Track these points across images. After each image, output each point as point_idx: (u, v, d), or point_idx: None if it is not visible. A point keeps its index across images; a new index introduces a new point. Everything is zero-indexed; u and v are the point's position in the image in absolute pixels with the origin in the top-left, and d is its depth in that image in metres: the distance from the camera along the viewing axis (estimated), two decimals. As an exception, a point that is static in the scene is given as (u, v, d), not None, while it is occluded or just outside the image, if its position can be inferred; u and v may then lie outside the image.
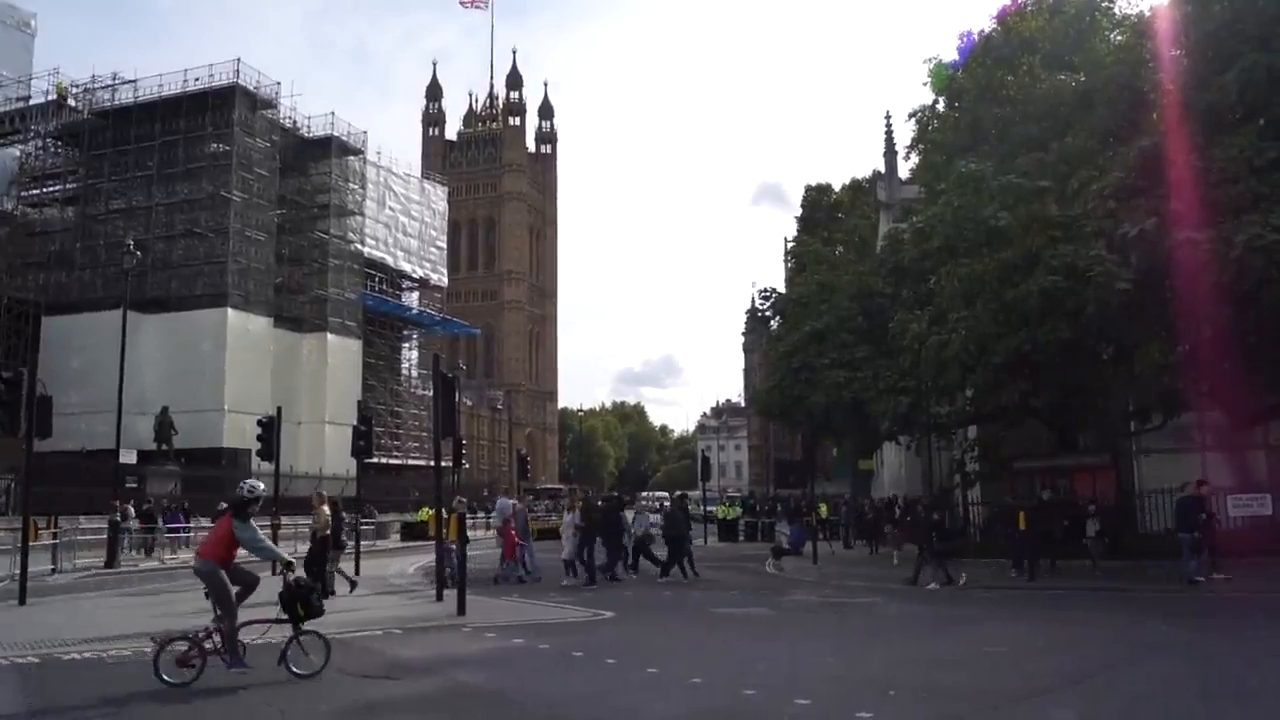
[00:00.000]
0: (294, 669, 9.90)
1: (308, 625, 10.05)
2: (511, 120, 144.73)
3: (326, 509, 18.87)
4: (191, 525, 33.96)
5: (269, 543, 10.50)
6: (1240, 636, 13.26)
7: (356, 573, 23.83)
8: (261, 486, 10.43)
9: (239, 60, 54.15)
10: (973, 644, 12.84)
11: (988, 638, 13.46)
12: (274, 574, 10.83)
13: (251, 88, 54.49)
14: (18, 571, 17.75)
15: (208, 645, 9.75)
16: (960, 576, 21.08)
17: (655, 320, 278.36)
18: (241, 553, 10.27)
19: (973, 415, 27.66)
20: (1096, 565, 22.01)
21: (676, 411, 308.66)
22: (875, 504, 37.58)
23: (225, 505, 12.02)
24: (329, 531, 18.66)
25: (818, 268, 37.19)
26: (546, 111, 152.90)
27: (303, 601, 10.07)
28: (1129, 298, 18.25)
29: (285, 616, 10.07)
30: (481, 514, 57.70)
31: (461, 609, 15.51)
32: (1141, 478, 25.77)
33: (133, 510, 30.92)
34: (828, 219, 66.38)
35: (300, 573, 11.22)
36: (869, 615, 16.77)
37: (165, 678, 9.45)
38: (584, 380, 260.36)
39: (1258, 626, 14.20)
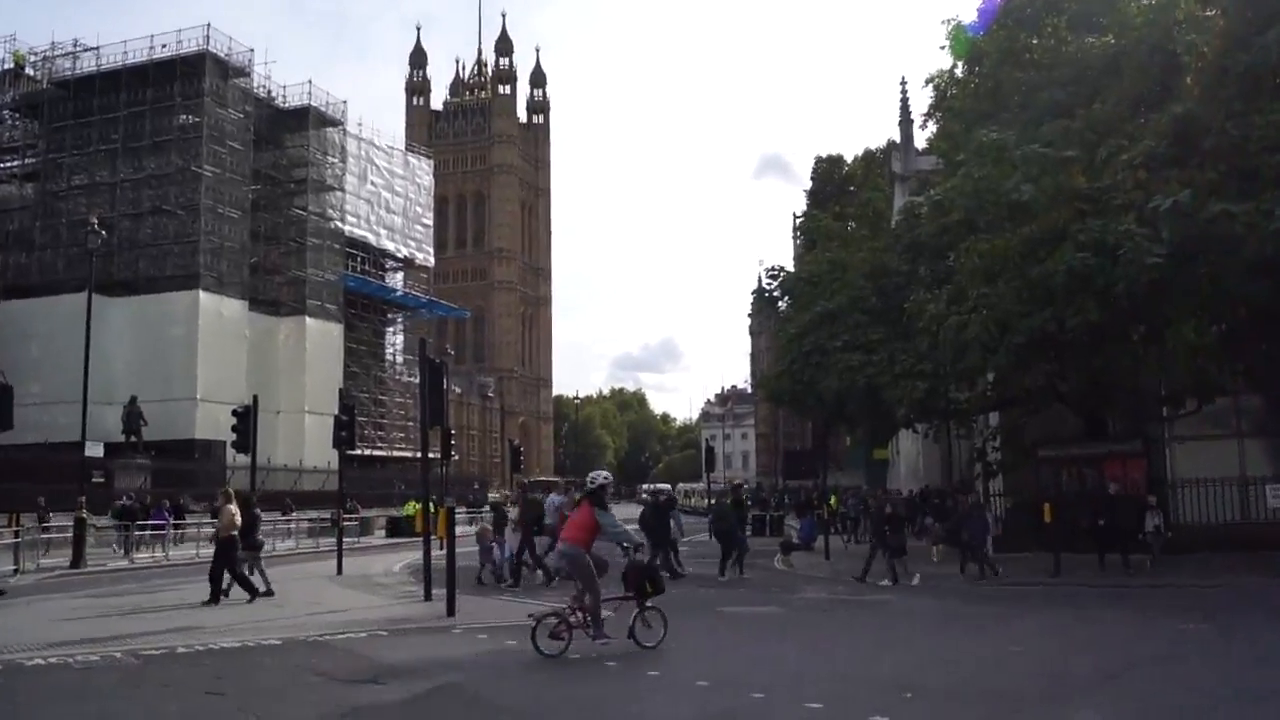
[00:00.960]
0: (640, 641, 11.79)
1: (650, 602, 11.97)
2: (501, 89, 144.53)
3: (233, 507, 18.72)
4: (181, 522, 33.95)
5: (624, 527, 12.48)
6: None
7: (339, 571, 23.99)
8: (605, 474, 12.42)
9: (209, 26, 54.00)
10: (993, 643, 12.91)
11: (1009, 636, 13.53)
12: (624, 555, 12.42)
13: (222, 55, 54.29)
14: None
15: (572, 620, 11.73)
16: (913, 577, 21.10)
17: (655, 302, 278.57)
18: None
19: (994, 401, 27.69)
20: (1155, 560, 21.93)
21: (678, 399, 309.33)
22: (881, 496, 37.67)
23: (578, 495, 13.89)
24: (234, 532, 18.47)
25: (829, 244, 37.24)
26: (538, 79, 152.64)
27: (650, 579, 12.17)
28: (1161, 274, 18.25)
29: (630, 594, 12.03)
30: (464, 508, 58.22)
31: (451, 609, 15.57)
32: (1174, 466, 25.82)
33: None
34: (839, 192, 66.34)
35: (643, 555, 13.66)
36: (884, 613, 16.85)
37: (541, 649, 11.52)
38: (580, 366, 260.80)
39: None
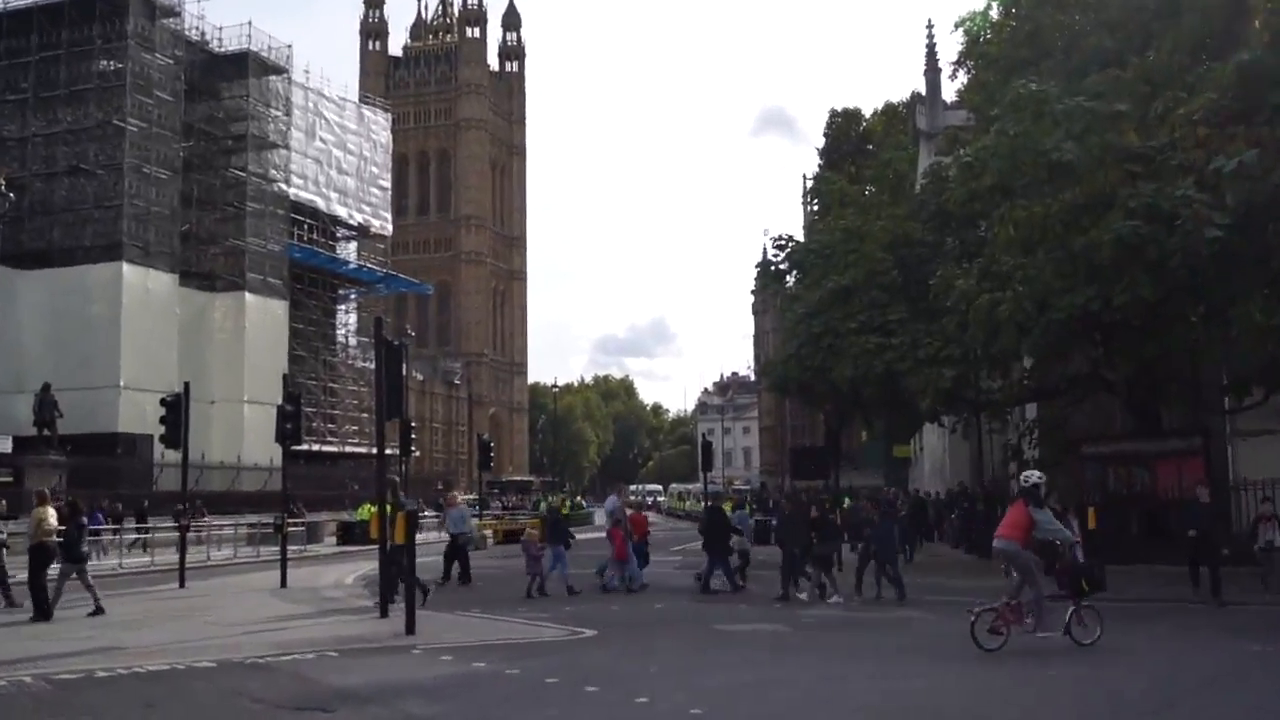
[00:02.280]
0: (1077, 639, 13.37)
1: (1086, 601, 13.71)
2: (469, 31, 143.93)
3: (50, 512, 18.64)
4: (120, 528, 34.06)
5: (1059, 524, 14.53)
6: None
7: (283, 583, 23.91)
8: (1039, 474, 14.01)
9: (133, -43, 53.57)
10: (1031, 668, 12.89)
11: (1045, 660, 13.51)
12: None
13: (149, -9, 53.93)
14: None
15: (1009, 614, 13.36)
16: (833, 594, 21.03)
17: (643, 278, 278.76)
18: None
19: (1031, 390, 27.73)
20: (1273, 577, 20.15)
21: (670, 387, 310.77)
22: (801, 497, 37.63)
23: (1016, 492, 15.58)
24: (54, 538, 18.38)
25: (844, 211, 37.20)
26: (512, 21, 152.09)
27: (1086, 577, 13.96)
28: (1223, 246, 18.22)
29: (1064, 592, 13.98)
30: (432, 512, 58.17)
31: (411, 627, 15.57)
32: (1236, 465, 25.85)
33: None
34: (856, 151, 66.37)
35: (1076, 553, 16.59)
36: (906, 633, 16.83)
37: (980, 644, 13.16)
38: (559, 349, 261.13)
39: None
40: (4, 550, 20.34)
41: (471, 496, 73.10)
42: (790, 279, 37.30)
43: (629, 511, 24.95)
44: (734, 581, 22.88)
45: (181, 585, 24.30)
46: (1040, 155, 21.27)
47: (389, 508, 17.48)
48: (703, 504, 48.73)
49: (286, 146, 62.33)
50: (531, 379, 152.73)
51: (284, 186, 61.98)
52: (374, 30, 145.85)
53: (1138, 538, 24.51)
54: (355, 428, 68.50)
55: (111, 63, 53.60)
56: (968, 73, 39.81)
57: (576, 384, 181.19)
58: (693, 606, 20.46)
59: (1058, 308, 20.29)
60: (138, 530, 35.01)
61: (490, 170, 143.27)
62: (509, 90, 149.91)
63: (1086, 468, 26.67)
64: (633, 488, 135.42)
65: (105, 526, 33.74)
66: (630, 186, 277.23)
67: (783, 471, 78.66)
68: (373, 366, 22.36)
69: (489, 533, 44.56)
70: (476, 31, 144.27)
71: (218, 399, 53.82)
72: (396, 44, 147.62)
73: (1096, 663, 12.64)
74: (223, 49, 60.26)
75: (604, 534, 23.92)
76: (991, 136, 23.59)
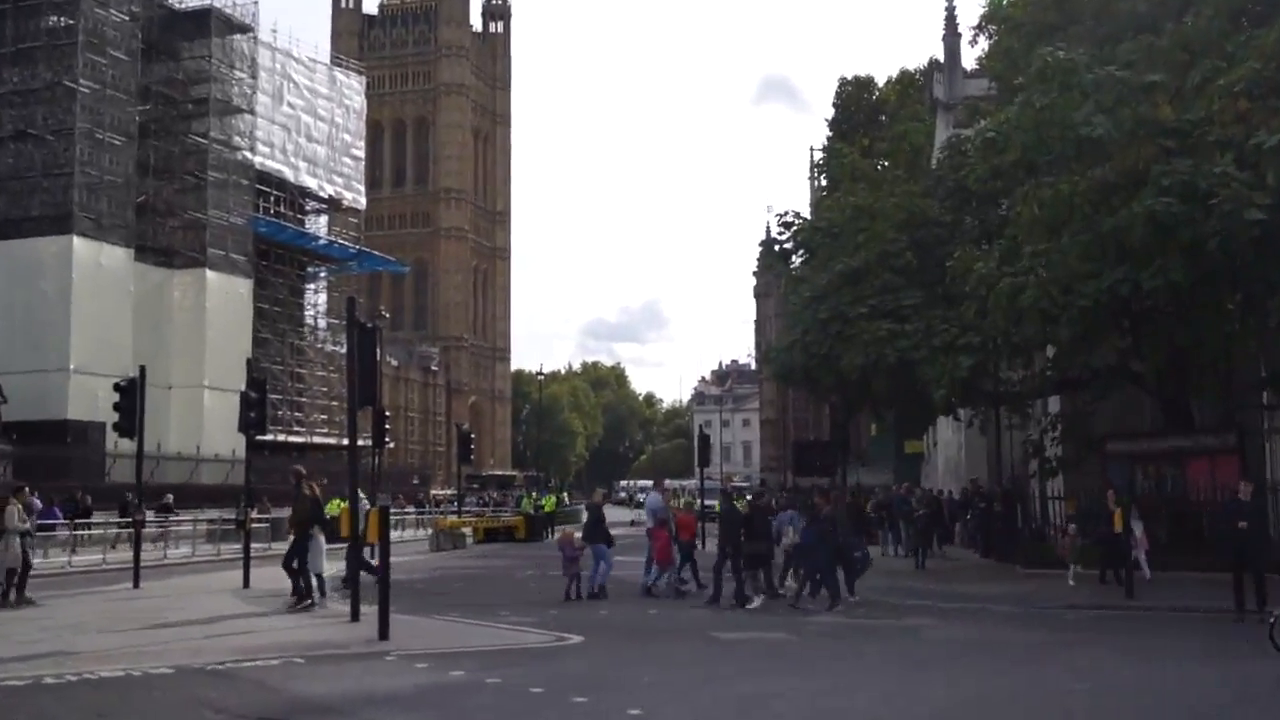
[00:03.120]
0: None
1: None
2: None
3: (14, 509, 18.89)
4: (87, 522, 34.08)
5: None
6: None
7: (245, 584, 23.93)
8: None
9: (85, -97, 53.30)
10: (1052, 680, 12.95)
11: (1073, 672, 13.58)
12: None
13: (103, -59, 53.69)
14: None
15: None
16: (754, 599, 21.08)
17: (636, 258, 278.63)
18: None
19: (1055, 382, 27.78)
20: None
21: (664, 376, 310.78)
22: (893, 494, 37.64)
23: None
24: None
25: (855, 186, 37.08)
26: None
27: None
28: (1263, 228, 18.26)
29: None
30: (413, 509, 58.32)
31: (384, 632, 15.60)
32: (1275, 465, 25.93)
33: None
34: (868, 123, 66.34)
35: None
36: (917, 642, 16.91)
37: None
38: (545, 334, 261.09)
39: None
40: None
41: (449, 491, 73.20)
42: (796, 260, 37.30)
43: (676, 511, 25.36)
44: (773, 587, 22.59)
45: (136, 585, 24.31)
46: (1068, 129, 21.30)
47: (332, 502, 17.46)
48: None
49: (252, 111, 62.07)
50: (515, 366, 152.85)
51: (249, 155, 61.73)
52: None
53: (1168, 542, 24.57)
54: (324, 417, 68.37)
55: (62, 19, 53.32)
56: (989, 38, 39.77)
57: (563, 371, 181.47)
58: (691, 612, 20.51)
59: (1084, 293, 20.32)
60: (85, 525, 34.87)
61: (472, 140, 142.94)
62: (493, 53, 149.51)
63: (1112, 466, 26.74)
64: (623, 484, 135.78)
65: (61, 521, 33.59)
66: (622, 158, 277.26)
67: (785, 467, 78.71)
68: (344, 350, 22.40)
69: (468, 530, 44.67)
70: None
71: (176, 384, 53.64)
72: (372, 2, 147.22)
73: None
74: (183, 5, 59.99)
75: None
76: (1015, 108, 23.61)
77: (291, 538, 21.49)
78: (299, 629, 17.42)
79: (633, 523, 69.38)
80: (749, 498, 26.12)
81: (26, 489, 22.85)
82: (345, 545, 22.71)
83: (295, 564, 20.70)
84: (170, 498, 39.41)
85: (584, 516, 30.20)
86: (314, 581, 20.41)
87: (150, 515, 33.09)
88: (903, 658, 15.18)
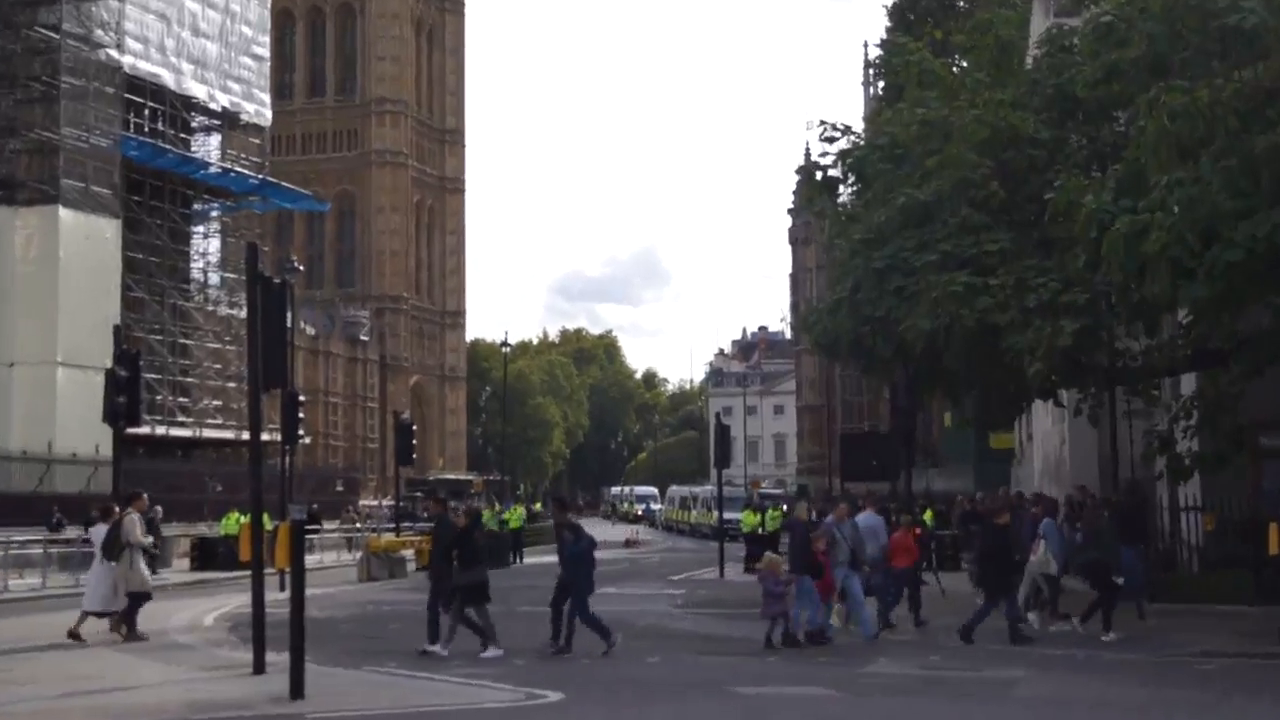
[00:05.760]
0: None
1: None
2: None
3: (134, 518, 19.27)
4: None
5: None
6: None
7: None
8: None
9: None
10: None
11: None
12: None
13: None
14: None
15: None
16: (491, 647, 21.11)
17: (625, 193, 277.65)
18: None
19: (1190, 355, 27.59)
20: None
21: (666, 348, 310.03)
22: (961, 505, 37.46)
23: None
24: None
25: (923, 94, 36.80)
26: None
27: None
28: None
29: None
30: (337, 524, 58.10)
31: (298, 689, 15.58)
32: None
33: None
34: (940, 9, 66.01)
35: None
36: (1004, 703, 16.82)
37: None
38: (509, 293, 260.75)
39: None
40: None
41: (384, 501, 73.18)
42: (844, 192, 37.07)
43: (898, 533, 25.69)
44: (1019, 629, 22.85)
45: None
46: (1210, 17, 21.11)
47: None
48: (716, 514, 48.70)
49: (119, -4, 61.86)
50: (471, 334, 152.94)
51: (114, 54, 61.36)
52: None
53: None
54: (218, 403, 68.13)
55: None
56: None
57: (535, 342, 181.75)
58: (702, 660, 20.47)
59: (1230, 238, 20.11)
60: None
61: (414, 34, 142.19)
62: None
63: (1267, 466, 26.66)
64: (614, 490, 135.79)
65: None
66: (608, 60, 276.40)
67: (830, 468, 78.69)
68: (243, 315, 22.08)
69: (409, 553, 44.61)
70: None
71: (19, 360, 53.63)
72: None
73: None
74: None
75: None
76: (1140, -10, 23.43)
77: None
78: (186, 685, 17.41)
79: (627, 542, 69.93)
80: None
81: (146, 496, 24.19)
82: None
83: (565, 606, 21.27)
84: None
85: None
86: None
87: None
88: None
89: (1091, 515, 25.66)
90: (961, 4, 64.44)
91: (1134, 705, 16.42)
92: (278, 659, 16.77)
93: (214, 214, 74.97)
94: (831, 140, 35.45)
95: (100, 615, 22.61)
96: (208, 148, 73.08)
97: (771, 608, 22.16)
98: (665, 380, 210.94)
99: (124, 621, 22.29)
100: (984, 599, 23.27)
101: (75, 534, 36.61)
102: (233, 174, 72.23)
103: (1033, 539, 24.55)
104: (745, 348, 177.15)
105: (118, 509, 23.33)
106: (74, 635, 21.92)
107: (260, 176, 74.39)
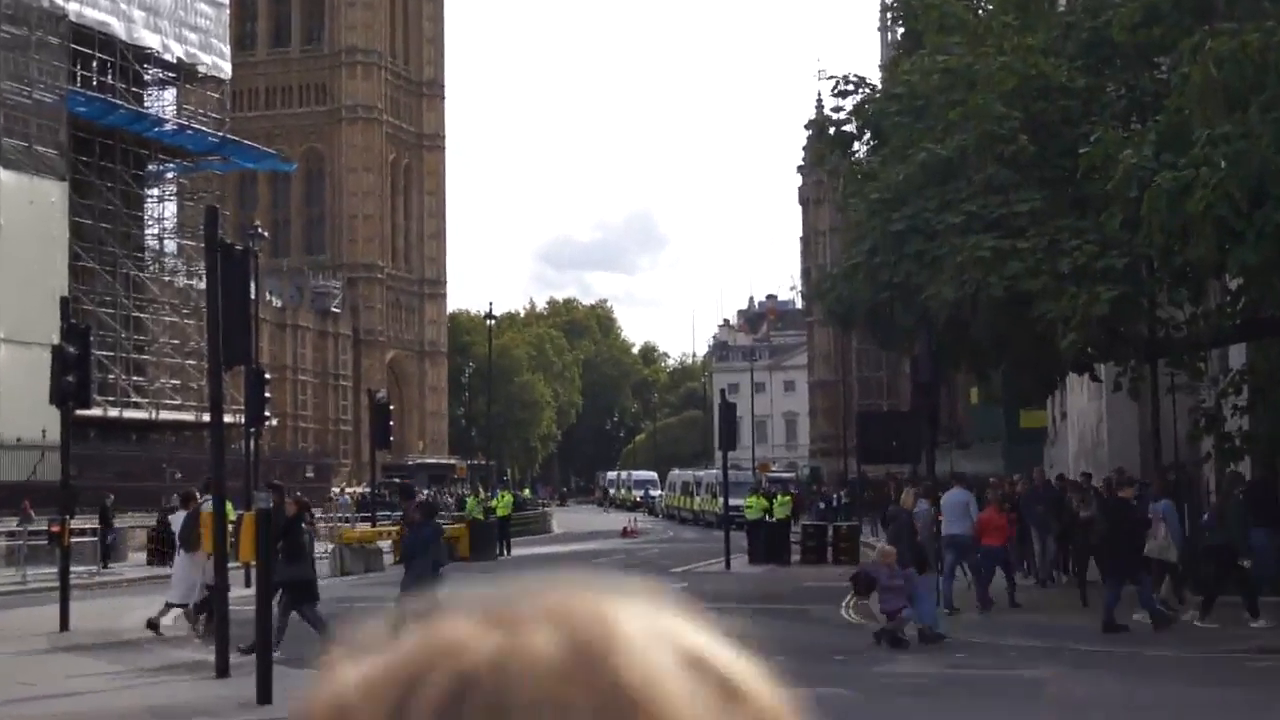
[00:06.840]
0: None
1: None
2: None
3: None
4: None
5: None
6: None
7: (63, 625, 24.04)
8: None
9: None
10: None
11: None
12: None
13: None
14: None
15: None
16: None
17: (618, 151, 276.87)
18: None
19: (1238, 325, 27.73)
20: None
21: (665, 319, 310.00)
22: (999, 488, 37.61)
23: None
24: None
25: (946, 40, 36.94)
26: None
27: None
28: None
29: None
30: (307, 515, 57.85)
31: (265, 693, 15.69)
32: None
33: None
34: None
35: None
36: (1034, 702, 16.99)
37: None
38: (492, 260, 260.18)
39: None
40: None
41: (360, 489, 73.43)
42: (860, 148, 37.15)
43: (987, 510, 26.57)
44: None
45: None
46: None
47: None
48: (721, 500, 48.97)
49: (63, -66, 61.86)
50: (453, 306, 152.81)
51: (59, 0, 61.53)
52: None
53: None
54: (176, 382, 68.35)
55: None
56: None
57: (523, 313, 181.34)
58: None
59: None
60: None
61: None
62: None
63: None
64: (610, 475, 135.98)
65: None
66: (601, 3, 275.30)
67: (845, 450, 78.87)
68: (202, 285, 22.39)
69: (385, 545, 44.86)
70: None
71: (-44, 336, 53.74)
72: None
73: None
74: None
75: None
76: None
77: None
78: (142, 689, 17.56)
79: (625, 532, 69.99)
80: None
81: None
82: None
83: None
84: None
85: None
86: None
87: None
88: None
89: (1224, 493, 25.98)
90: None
91: (1163, 707, 16.60)
92: (242, 661, 17.05)
93: (170, 175, 74.95)
94: (844, 95, 35.59)
95: (181, 607, 23.95)
96: (162, 103, 73.11)
97: (890, 603, 22.39)
98: (665, 355, 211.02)
99: (201, 612, 23.26)
100: (1108, 584, 23.55)
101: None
102: (190, 131, 72.21)
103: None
104: (752, 318, 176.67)
105: (198, 495, 24.09)
106: (152, 626, 23.25)
107: (220, 134, 74.40)
